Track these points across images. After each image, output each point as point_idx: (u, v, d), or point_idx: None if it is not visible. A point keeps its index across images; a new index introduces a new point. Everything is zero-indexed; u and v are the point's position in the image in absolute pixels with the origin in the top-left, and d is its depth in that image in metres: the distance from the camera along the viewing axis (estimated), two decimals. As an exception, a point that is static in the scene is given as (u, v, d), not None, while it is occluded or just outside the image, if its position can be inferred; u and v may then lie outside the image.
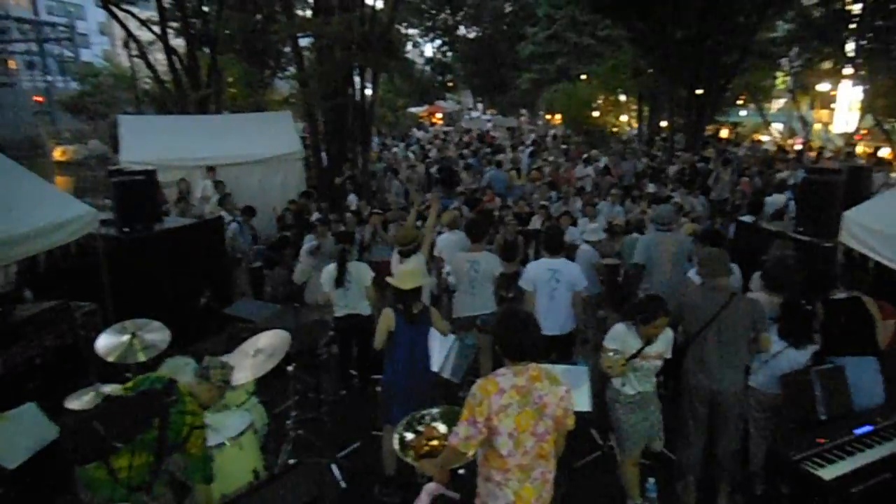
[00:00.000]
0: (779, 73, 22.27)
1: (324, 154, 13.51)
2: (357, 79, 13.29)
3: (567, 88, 27.54)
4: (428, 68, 48.19)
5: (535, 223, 8.81)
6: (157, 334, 4.31)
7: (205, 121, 12.53)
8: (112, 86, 25.64)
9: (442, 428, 3.37)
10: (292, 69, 21.24)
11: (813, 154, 16.19)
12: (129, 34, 14.98)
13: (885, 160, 14.70)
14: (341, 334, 5.73)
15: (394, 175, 13.71)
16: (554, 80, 31.26)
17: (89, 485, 2.97)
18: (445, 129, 35.82)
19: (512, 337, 2.78)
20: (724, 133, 26.48)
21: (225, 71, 18.31)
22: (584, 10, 26.07)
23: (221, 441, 3.72)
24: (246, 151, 10.66)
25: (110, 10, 14.15)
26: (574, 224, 8.36)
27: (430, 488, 3.17)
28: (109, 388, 3.97)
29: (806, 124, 21.71)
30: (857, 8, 16.25)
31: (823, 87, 21.68)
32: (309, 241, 7.44)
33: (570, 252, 6.39)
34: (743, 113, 28.91)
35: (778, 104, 29.02)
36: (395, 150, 20.25)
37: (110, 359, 4.07)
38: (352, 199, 10.96)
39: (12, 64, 35.95)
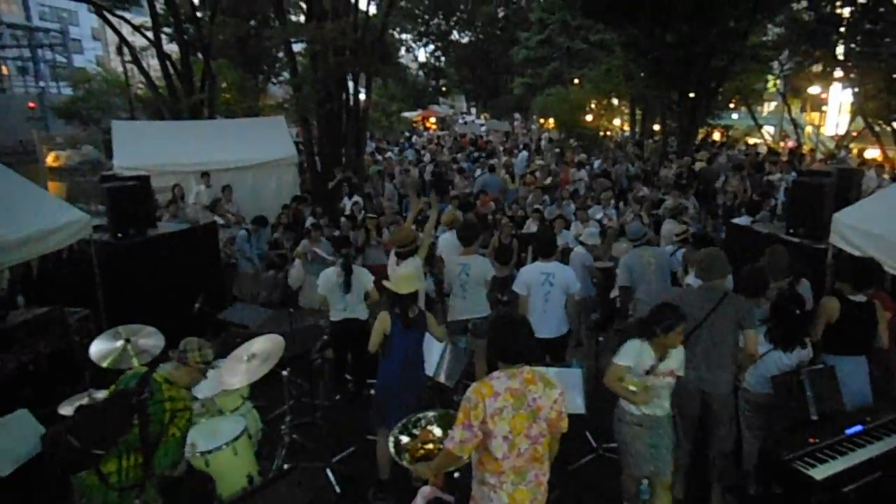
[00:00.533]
0: (770, 77, 22.42)
1: (318, 159, 13.53)
2: (351, 84, 13.34)
3: (560, 92, 27.71)
4: (421, 73, 48.37)
5: (530, 227, 8.84)
6: (150, 340, 4.31)
7: (198, 126, 12.52)
8: (105, 91, 25.51)
9: (437, 431, 3.37)
10: (286, 74, 21.25)
11: (807, 156, 16.32)
12: (123, 40, 14.99)
13: (876, 161, 14.80)
14: (337, 338, 5.73)
15: (388, 179, 13.74)
16: (547, 85, 31.46)
17: (83, 490, 2.97)
18: (440, 133, 35.94)
19: (506, 340, 2.79)
20: (716, 136, 26.68)
21: (219, 76, 18.32)
22: (577, 15, 26.22)
23: (216, 446, 3.72)
24: (240, 156, 10.67)
25: (103, 15, 14.16)
26: (568, 227, 8.40)
27: (425, 492, 3.18)
28: (103, 395, 3.97)
29: (797, 127, 21.87)
30: (846, 12, 16.38)
31: (814, 90, 21.84)
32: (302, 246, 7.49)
33: (563, 256, 6.42)
34: (735, 116, 29.11)
35: (769, 107, 29.26)
36: (388, 154, 20.29)
37: (104, 365, 4.06)
38: (347, 202, 10.99)
39: (4, 70, 35.85)
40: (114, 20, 14.09)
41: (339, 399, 5.89)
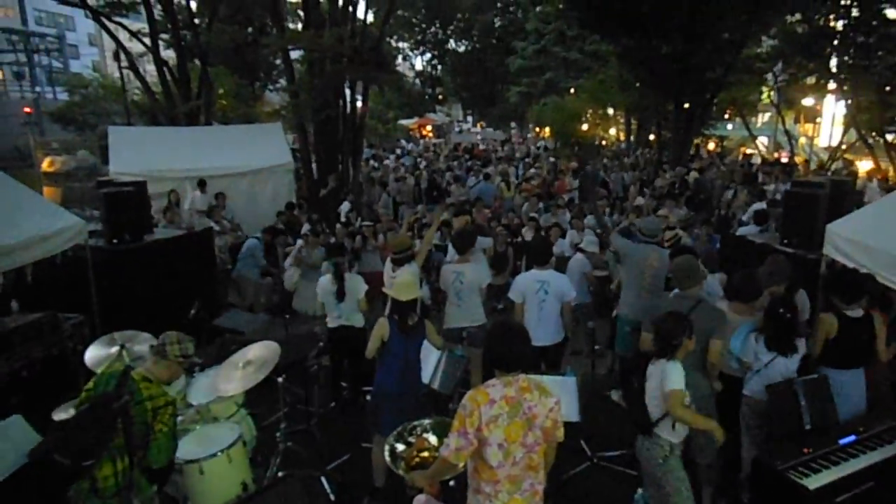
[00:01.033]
0: (764, 88, 22.61)
1: (314, 166, 13.54)
2: (348, 91, 13.37)
3: (556, 102, 27.87)
4: (418, 81, 48.57)
5: (526, 235, 8.87)
6: (145, 346, 4.27)
7: (195, 132, 12.53)
8: (101, 97, 25.48)
9: (433, 439, 3.36)
10: (283, 81, 21.31)
11: (801, 167, 16.43)
12: (120, 45, 14.98)
13: (885, 173, 14.93)
14: (333, 345, 5.73)
15: (382, 187, 13.76)
16: (543, 94, 31.65)
17: (78, 496, 2.95)
18: (436, 141, 36.07)
19: (502, 348, 2.79)
20: (710, 146, 26.85)
21: (216, 83, 18.33)
22: (572, 26, 26.43)
23: (210, 453, 3.70)
24: (236, 163, 10.68)
25: (101, 21, 14.15)
26: (564, 236, 8.42)
27: (420, 500, 3.17)
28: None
29: (791, 138, 22.04)
30: (839, 25, 16.56)
31: (808, 101, 22.03)
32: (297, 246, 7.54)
33: (559, 264, 6.43)
34: (729, 126, 29.32)
35: (763, 118, 29.48)
36: (386, 161, 20.32)
37: (99, 371, 4.04)
38: (344, 207, 11.01)
39: (0, 74, 35.77)
40: (111, 26, 14.09)
41: (334, 406, 5.88)
